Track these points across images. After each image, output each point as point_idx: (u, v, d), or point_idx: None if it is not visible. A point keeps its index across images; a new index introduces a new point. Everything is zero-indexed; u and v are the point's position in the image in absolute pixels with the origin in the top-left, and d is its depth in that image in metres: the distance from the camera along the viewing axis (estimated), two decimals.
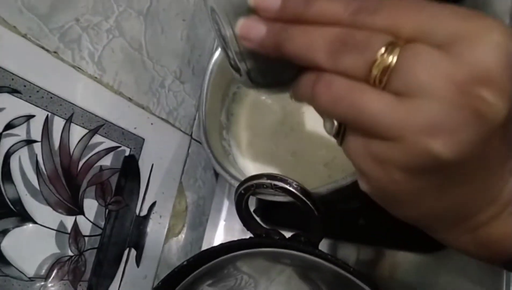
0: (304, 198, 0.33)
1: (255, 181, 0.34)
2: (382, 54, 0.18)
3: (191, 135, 0.52)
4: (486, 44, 0.17)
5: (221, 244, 0.37)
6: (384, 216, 0.43)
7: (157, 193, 0.48)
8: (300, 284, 0.41)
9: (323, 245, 0.46)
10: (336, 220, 0.45)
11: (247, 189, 0.35)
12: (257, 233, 0.38)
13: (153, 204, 0.47)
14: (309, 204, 0.33)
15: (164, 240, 0.49)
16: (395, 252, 0.43)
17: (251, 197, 0.36)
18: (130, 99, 0.43)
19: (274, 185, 0.33)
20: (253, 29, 0.21)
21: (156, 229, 0.48)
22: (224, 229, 0.53)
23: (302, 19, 0.20)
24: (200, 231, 0.54)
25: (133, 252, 0.45)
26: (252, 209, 0.48)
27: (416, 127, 0.17)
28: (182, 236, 0.52)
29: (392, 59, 0.18)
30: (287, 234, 0.37)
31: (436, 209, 0.21)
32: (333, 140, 0.42)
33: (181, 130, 0.51)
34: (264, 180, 0.34)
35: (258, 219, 0.41)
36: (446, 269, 0.40)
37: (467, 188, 0.20)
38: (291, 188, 0.33)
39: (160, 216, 0.48)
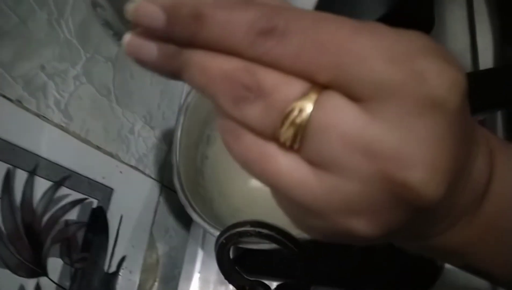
0: (290, 245, 0.32)
1: (238, 229, 0.32)
2: (291, 110, 0.14)
3: (162, 182, 0.50)
4: (415, 108, 0.13)
5: None
6: (377, 259, 0.42)
7: (126, 246, 0.45)
8: None
9: None
10: (330, 266, 0.44)
11: (229, 238, 0.33)
12: (240, 285, 0.36)
13: (123, 258, 0.44)
14: (296, 250, 0.32)
15: None
16: None
17: None
18: (98, 147, 0.41)
19: (259, 232, 0.32)
20: (142, 49, 0.16)
21: (126, 286, 0.44)
22: (199, 281, 0.50)
23: (196, 43, 0.15)
24: (173, 285, 0.51)
25: None
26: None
27: (334, 206, 0.15)
28: None
29: (304, 116, 0.14)
30: (272, 285, 0.35)
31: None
32: None
33: (151, 177, 0.48)
34: (248, 228, 0.32)
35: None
36: None
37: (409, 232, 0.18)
38: (277, 235, 0.32)
39: (130, 272, 0.45)
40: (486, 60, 0.47)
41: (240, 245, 0.35)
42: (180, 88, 0.54)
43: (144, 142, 0.48)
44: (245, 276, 0.36)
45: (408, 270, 0.40)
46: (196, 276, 0.50)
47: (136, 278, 0.46)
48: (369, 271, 0.42)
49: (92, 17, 0.40)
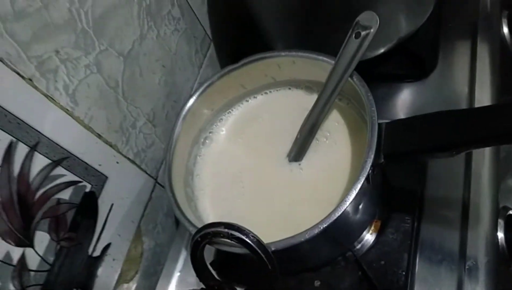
0: (259, 251, 0.33)
1: (212, 229, 0.34)
2: None
3: (156, 179, 0.52)
4: None
5: None
6: (340, 279, 0.43)
7: (113, 234, 0.46)
8: None
9: None
10: (293, 280, 0.45)
11: (203, 236, 0.34)
12: (209, 285, 0.37)
13: (108, 245, 0.46)
14: (264, 258, 0.33)
15: (114, 285, 0.47)
16: None
17: (210, 248, 0.36)
18: (99, 135, 0.43)
19: (231, 234, 0.33)
20: None
21: (107, 272, 0.46)
22: (178, 280, 0.51)
23: None
24: (153, 281, 0.52)
25: None
26: (210, 261, 0.48)
27: None
28: (133, 284, 0.50)
29: None
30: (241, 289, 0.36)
31: None
32: (296, 194, 0.42)
33: (146, 173, 0.50)
34: (221, 229, 0.33)
35: (214, 271, 0.40)
36: None
37: None
38: (247, 239, 0.33)
39: (113, 259, 0.47)
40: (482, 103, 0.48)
41: (215, 246, 0.36)
42: (187, 92, 0.56)
43: (145, 138, 0.50)
44: (216, 277, 0.37)
45: None
46: (176, 275, 0.51)
47: (118, 267, 0.47)
48: None
49: (111, 12, 0.43)
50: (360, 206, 0.39)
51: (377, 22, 0.37)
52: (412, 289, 0.41)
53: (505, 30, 0.56)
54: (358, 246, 0.44)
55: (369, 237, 0.45)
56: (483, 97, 0.49)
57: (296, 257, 0.40)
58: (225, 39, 0.63)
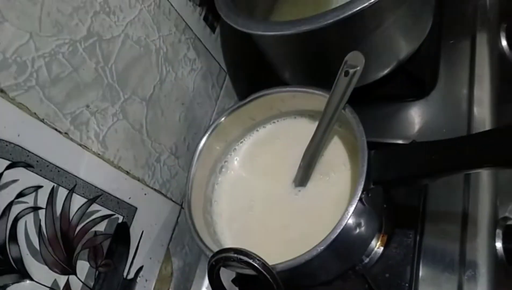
0: (265, 273, 0.38)
1: (223, 255, 0.39)
2: None
3: (181, 205, 0.58)
4: None
5: None
6: None
7: (144, 258, 0.52)
8: None
9: None
10: None
11: (217, 261, 0.40)
12: None
13: (140, 268, 0.52)
14: (269, 279, 0.38)
15: None
16: None
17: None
18: (127, 172, 0.49)
19: (239, 259, 0.38)
20: None
21: None
22: None
23: None
24: None
25: None
26: (232, 277, 0.53)
27: None
28: None
29: None
30: None
31: None
32: (303, 217, 0.46)
33: (172, 200, 0.56)
34: (231, 254, 0.38)
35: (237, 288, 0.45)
36: None
37: None
38: (254, 263, 0.38)
39: (146, 280, 0.53)
40: (480, 125, 0.51)
41: (228, 268, 0.41)
42: (206, 123, 0.62)
43: (169, 170, 0.56)
44: None
45: None
46: None
47: (151, 286, 0.53)
48: None
49: (132, 65, 0.49)
50: (361, 225, 0.43)
51: (362, 61, 0.41)
52: None
53: (504, 43, 0.58)
54: (367, 260, 0.48)
55: (376, 250, 0.48)
56: (482, 113, 0.52)
57: (305, 274, 0.44)
58: (238, 70, 0.68)
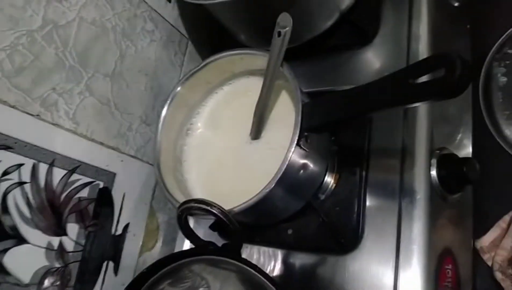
0: (222, 217, 0.44)
1: (186, 205, 0.45)
2: None
3: None
4: None
5: (170, 255, 0.48)
6: (307, 226, 0.53)
7: (130, 215, 0.59)
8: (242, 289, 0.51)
9: (257, 251, 0.57)
10: (271, 231, 0.56)
11: (182, 211, 0.46)
12: (197, 244, 0.49)
13: (127, 225, 0.59)
14: (226, 221, 0.44)
15: (139, 254, 0.60)
16: (315, 255, 0.53)
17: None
18: (101, 143, 0.55)
19: (199, 207, 0.44)
20: None
21: (130, 245, 0.59)
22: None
23: None
24: (172, 245, 0.65)
25: (111, 264, 0.56)
26: (208, 224, 0.59)
27: None
28: (155, 250, 0.63)
29: None
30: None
31: None
32: (260, 165, 0.52)
33: (149, 163, 0.62)
34: (192, 204, 0.45)
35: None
36: (354, 267, 0.50)
37: None
38: (212, 210, 0.44)
39: (134, 235, 0.60)
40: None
41: (194, 217, 0.47)
42: None
43: (141, 137, 0.61)
44: (199, 237, 0.49)
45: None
46: None
47: (140, 240, 0.61)
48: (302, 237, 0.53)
49: (90, 45, 0.54)
50: (307, 166, 0.48)
51: (291, 21, 0.45)
52: (363, 227, 0.51)
53: None
54: (322, 197, 0.54)
55: (329, 187, 0.54)
56: (421, 49, 0.56)
57: (265, 212, 0.51)
58: (200, 36, 0.72)
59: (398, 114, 0.54)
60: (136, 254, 0.60)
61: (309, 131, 0.44)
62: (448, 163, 0.50)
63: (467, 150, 0.59)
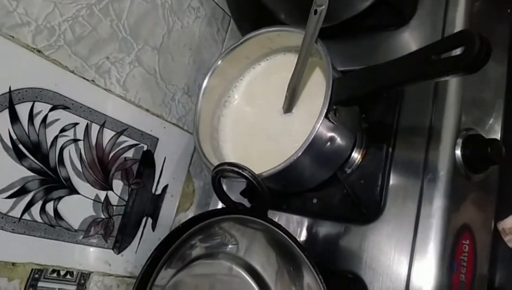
0: (252, 180, 0.48)
1: (220, 167, 0.49)
2: None
3: None
4: None
5: (203, 213, 0.53)
6: (332, 196, 0.56)
7: (169, 178, 0.64)
8: (269, 250, 0.55)
9: (284, 219, 0.60)
10: (297, 199, 0.60)
11: (216, 173, 0.50)
12: (227, 204, 0.53)
13: (166, 186, 0.64)
14: (255, 184, 0.48)
15: (175, 213, 0.66)
16: (338, 224, 0.56)
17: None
18: (147, 110, 0.60)
19: (232, 169, 0.48)
20: None
21: (168, 205, 0.64)
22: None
23: None
24: (206, 209, 0.70)
25: (150, 220, 0.62)
26: (240, 190, 0.64)
27: None
28: (190, 211, 0.68)
29: None
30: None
31: None
32: (291, 137, 0.55)
33: (189, 132, 0.67)
34: (226, 167, 0.49)
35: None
36: (374, 237, 0.53)
37: None
38: (243, 173, 0.48)
39: (172, 195, 0.65)
40: None
41: (226, 178, 0.52)
42: None
43: (183, 107, 0.66)
44: (231, 199, 0.53)
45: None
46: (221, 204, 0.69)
47: (176, 201, 0.66)
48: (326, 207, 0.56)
49: (141, 19, 0.58)
50: (334, 139, 0.51)
51: (327, 0, 0.48)
52: (385, 200, 0.53)
53: None
54: (349, 171, 0.57)
55: (356, 161, 0.57)
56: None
57: (292, 180, 0.54)
58: (242, 14, 0.75)
59: (428, 95, 0.55)
60: (172, 214, 0.65)
61: (337, 104, 0.47)
62: (473, 143, 0.52)
63: (496, 135, 0.60)
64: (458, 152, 0.52)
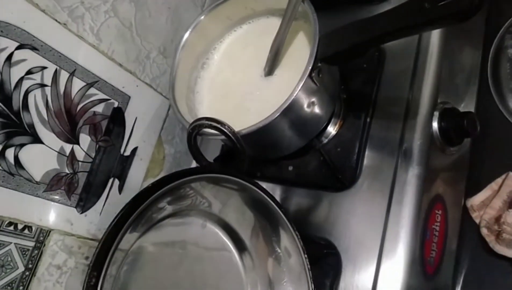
0: (231, 136, 0.46)
1: (198, 122, 0.47)
2: None
3: None
4: None
5: (175, 172, 0.50)
6: (307, 164, 0.56)
7: (139, 140, 0.61)
8: (244, 209, 0.53)
9: None
10: (273, 166, 0.59)
11: (193, 128, 0.48)
12: (202, 164, 0.51)
13: (135, 148, 0.61)
14: (234, 140, 0.46)
15: (143, 178, 0.63)
16: (313, 192, 0.55)
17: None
18: (120, 65, 0.57)
19: (210, 124, 0.47)
20: None
21: (136, 168, 0.62)
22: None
23: None
24: None
25: (117, 181, 0.59)
26: (216, 155, 0.62)
27: None
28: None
29: None
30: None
31: None
32: (271, 99, 0.54)
33: (162, 95, 0.64)
34: (204, 121, 0.47)
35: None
36: (349, 204, 0.53)
37: None
38: (222, 128, 0.46)
39: (141, 159, 0.62)
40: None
41: (203, 136, 0.50)
42: None
43: (158, 67, 0.63)
44: (205, 157, 0.51)
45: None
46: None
47: (145, 165, 0.63)
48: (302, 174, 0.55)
49: None
50: (314, 103, 0.50)
51: None
52: (361, 168, 0.53)
53: None
54: (325, 141, 0.57)
55: (333, 132, 0.57)
56: None
57: (268, 144, 0.53)
58: None
59: (407, 68, 0.56)
60: (141, 178, 0.62)
61: (323, 60, 0.46)
62: (449, 116, 0.53)
63: (470, 109, 0.61)
64: (434, 124, 0.53)
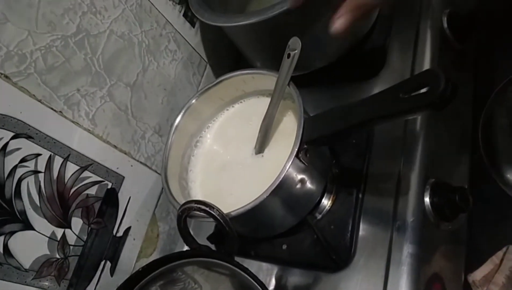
0: (219, 219, 0.46)
1: (187, 205, 0.47)
2: None
3: None
4: None
5: (166, 256, 0.50)
6: (301, 242, 0.55)
7: (132, 220, 0.61)
8: None
9: (252, 266, 0.58)
10: (267, 245, 0.58)
11: (182, 211, 0.48)
12: (192, 247, 0.51)
13: (128, 228, 0.61)
14: (223, 223, 0.46)
15: (136, 259, 0.62)
16: (308, 272, 0.54)
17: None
18: (115, 146, 0.59)
19: (199, 207, 0.47)
20: None
21: (129, 248, 0.61)
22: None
23: None
24: None
25: (108, 263, 0.58)
26: (208, 234, 0.61)
27: None
28: (153, 257, 0.65)
29: None
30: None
31: None
32: (261, 178, 0.54)
33: (157, 172, 0.65)
34: (193, 204, 0.47)
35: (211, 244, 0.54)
36: (344, 285, 0.51)
37: None
38: (211, 211, 0.46)
39: (134, 239, 0.62)
40: None
41: (193, 218, 0.50)
42: None
43: (153, 146, 0.65)
44: (196, 241, 0.51)
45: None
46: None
47: (139, 245, 0.63)
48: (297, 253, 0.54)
49: (117, 55, 0.58)
50: (304, 181, 0.50)
51: (299, 45, 0.49)
52: (355, 247, 0.52)
53: (445, 25, 0.65)
54: (319, 217, 0.56)
55: (326, 207, 0.56)
56: None
57: (260, 224, 0.53)
58: (218, 60, 0.77)
59: (397, 142, 0.56)
60: (133, 259, 0.62)
61: (308, 143, 0.47)
62: (441, 191, 0.52)
63: (464, 181, 0.61)
64: (427, 199, 0.53)
